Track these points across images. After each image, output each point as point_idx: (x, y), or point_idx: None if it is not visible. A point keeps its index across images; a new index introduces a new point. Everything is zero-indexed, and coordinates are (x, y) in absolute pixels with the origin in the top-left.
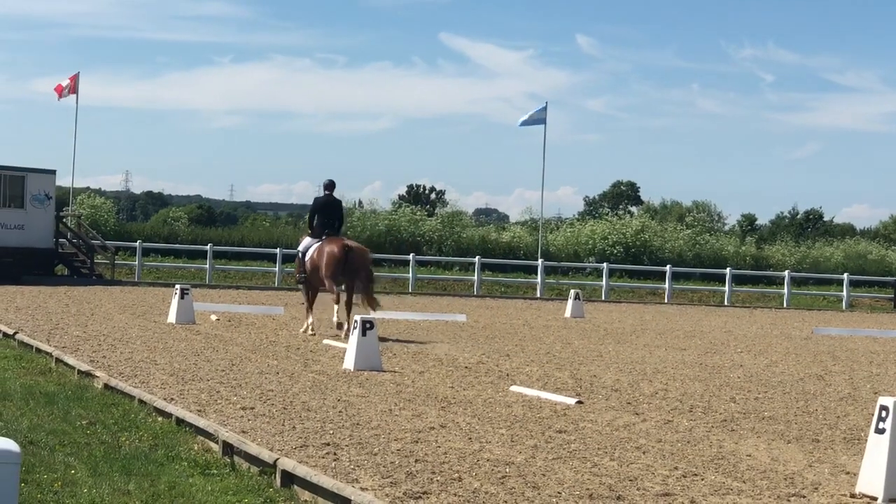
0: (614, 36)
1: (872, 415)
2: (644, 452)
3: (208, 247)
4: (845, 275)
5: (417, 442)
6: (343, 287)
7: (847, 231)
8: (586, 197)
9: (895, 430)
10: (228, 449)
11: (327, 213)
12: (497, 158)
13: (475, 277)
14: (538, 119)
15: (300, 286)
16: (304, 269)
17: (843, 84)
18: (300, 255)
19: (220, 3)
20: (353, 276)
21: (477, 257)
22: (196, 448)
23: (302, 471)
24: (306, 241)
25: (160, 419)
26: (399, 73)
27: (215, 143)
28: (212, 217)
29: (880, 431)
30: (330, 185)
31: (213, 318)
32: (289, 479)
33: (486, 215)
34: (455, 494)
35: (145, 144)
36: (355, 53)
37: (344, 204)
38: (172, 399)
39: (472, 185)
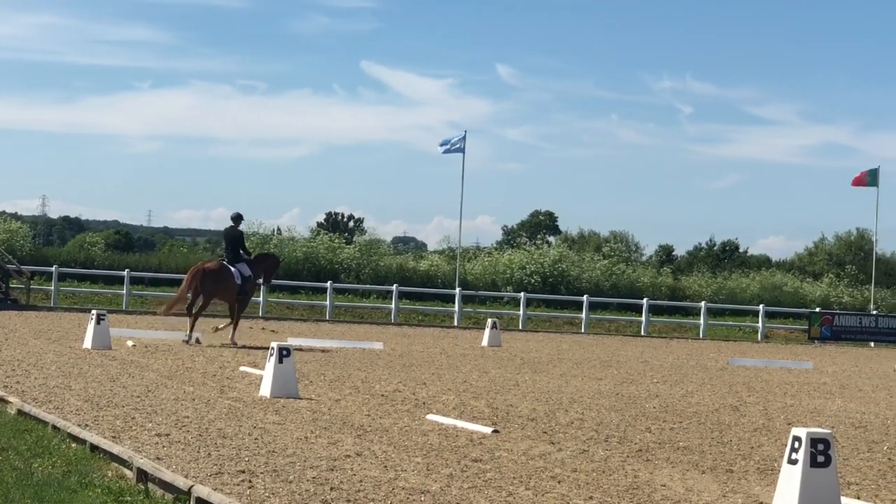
0: (534, 66)
1: (786, 445)
2: (559, 482)
3: (125, 272)
4: (761, 306)
5: (333, 470)
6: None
7: (763, 262)
8: (504, 226)
9: (807, 460)
10: (143, 476)
11: (227, 243)
12: (416, 187)
13: (392, 305)
14: (457, 148)
15: None
16: None
17: (761, 116)
18: None
19: (140, 28)
20: (201, 293)
21: (394, 285)
22: (110, 475)
23: (216, 498)
24: None
25: (74, 445)
26: (319, 100)
27: (134, 168)
28: (129, 242)
29: (793, 462)
30: (234, 218)
31: (130, 343)
32: None
33: (405, 243)
34: None
35: (63, 169)
36: (276, 80)
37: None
38: (87, 425)
39: (391, 213)
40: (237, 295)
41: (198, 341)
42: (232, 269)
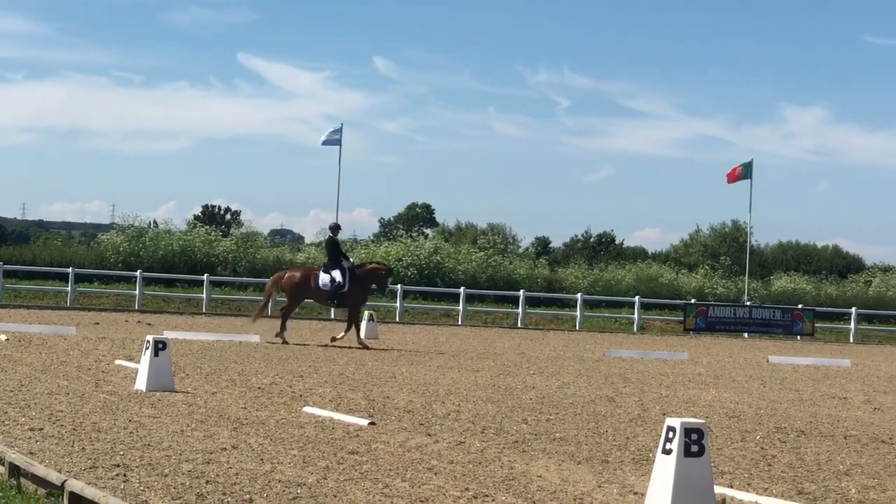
0: (411, 59)
1: (660, 435)
2: (436, 474)
3: None
4: (637, 298)
5: (209, 463)
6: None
7: (639, 254)
8: (381, 219)
9: (681, 450)
10: (15, 471)
11: (326, 252)
12: (293, 179)
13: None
14: (334, 140)
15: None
16: None
17: (636, 109)
18: None
19: (12, 19)
20: (289, 298)
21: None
22: None
23: (90, 492)
24: None
25: None
26: (196, 93)
27: (7, 160)
28: (2, 235)
29: (667, 452)
30: (331, 228)
31: (3, 337)
32: (77, 501)
33: (282, 236)
34: None
35: None
36: (152, 72)
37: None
38: None
39: (268, 205)
40: (328, 300)
41: (284, 341)
42: (322, 276)
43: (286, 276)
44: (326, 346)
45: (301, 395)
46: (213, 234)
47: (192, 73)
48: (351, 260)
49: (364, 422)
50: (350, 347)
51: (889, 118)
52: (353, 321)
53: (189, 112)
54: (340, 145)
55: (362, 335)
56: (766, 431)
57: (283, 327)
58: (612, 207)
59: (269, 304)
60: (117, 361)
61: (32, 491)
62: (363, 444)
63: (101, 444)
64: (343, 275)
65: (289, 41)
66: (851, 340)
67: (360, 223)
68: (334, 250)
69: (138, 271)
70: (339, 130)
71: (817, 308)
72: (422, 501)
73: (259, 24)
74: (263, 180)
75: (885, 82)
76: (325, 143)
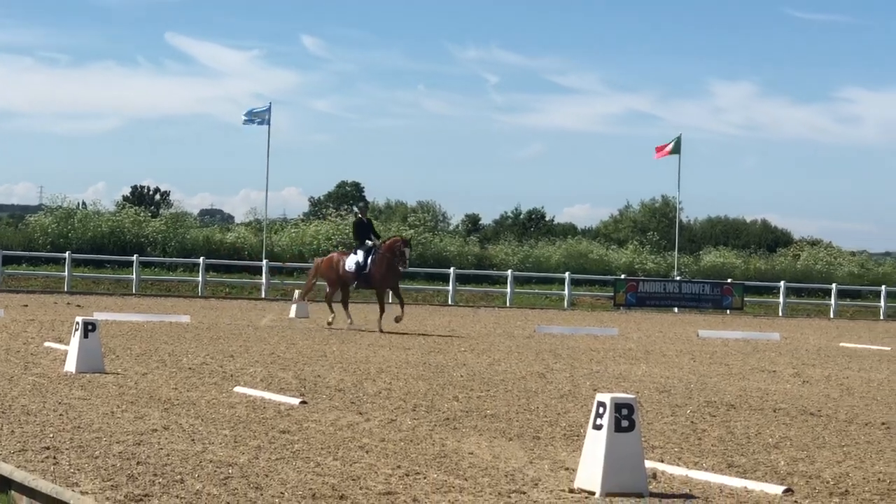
0: (340, 37)
1: (591, 411)
2: (367, 452)
3: None
4: (567, 274)
5: (139, 444)
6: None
7: (569, 230)
8: (311, 197)
9: (612, 425)
10: None
11: (353, 234)
12: (223, 159)
13: (199, 278)
14: (262, 119)
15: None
16: None
17: (565, 85)
18: None
19: None
20: (327, 282)
21: (201, 258)
22: None
23: (19, 475)
24: None
25: None
26: (124, 72)
27: None
28: None
29: (598, 427)
30: (358, 209)
31: None
32: (6, 484)
33: (211, 216)
34: (177, 496)
35: None
36: (79, 52)
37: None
38: None
39: (198, 185)
40: (353, 282)
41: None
42: (349, 259)
43: (323, 259)
44: (375, 331)
45: (232, 375)
46: (142, 214)
47: (120, 52)
48: (380, 238)
49: (295, 401)
50: (279, 327)
51: (815, 92)
52: (381, 302)
53: (117, 92)
54: (269, 124)
55: (292, 314)
56: (696, 405)
57: (332, 310)
58: (542, 184)
59: (314, 284)
60: (46, 343)
61: None
62: (294, 423)
63: (31, 426)
64: (365, 255)
65: (217, 20)
66: (780, 314)
67: (290, 202)
68: (359, 231)
69: (67, 253)
70: (268, 110)
71: (746, 282)
72: (353, 479)
73: (187, 3)
74: (192, 160)
75: (809, 56)
76: (247, 121)
